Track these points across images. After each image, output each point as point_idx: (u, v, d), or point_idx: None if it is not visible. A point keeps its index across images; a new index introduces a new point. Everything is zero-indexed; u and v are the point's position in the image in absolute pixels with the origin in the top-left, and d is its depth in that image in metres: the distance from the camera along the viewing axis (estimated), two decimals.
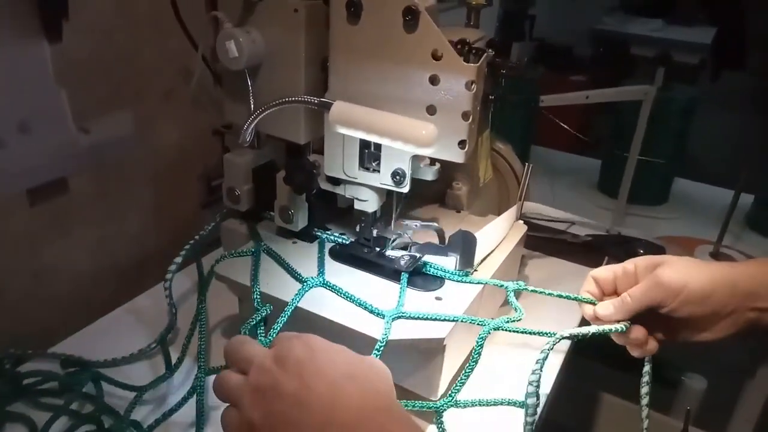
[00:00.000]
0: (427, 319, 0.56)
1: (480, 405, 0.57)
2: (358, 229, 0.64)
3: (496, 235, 0.69)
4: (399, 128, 0.46)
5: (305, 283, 0.58)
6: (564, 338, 0.55)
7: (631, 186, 1.12)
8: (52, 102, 0.68)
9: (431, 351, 0.57)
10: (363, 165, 0.58)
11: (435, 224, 0.65)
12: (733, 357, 1.31)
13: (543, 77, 1.63)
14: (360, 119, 0.47)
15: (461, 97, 0.51)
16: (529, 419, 0.50)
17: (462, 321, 0.56)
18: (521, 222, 0.75)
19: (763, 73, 2.25)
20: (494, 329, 0.57)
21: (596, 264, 0.91)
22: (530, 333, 0.59)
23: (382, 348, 0.52)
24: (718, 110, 2.04)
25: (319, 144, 0.62)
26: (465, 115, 0.52)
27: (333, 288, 0.58)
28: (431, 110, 0.52)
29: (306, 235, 0.67)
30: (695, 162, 1.59)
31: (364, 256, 0.64)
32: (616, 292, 0.58)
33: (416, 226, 0.65)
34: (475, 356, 0.54)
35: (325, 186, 0.62)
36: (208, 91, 0.80)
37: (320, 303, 0.58)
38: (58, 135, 0.69)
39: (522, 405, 0.52)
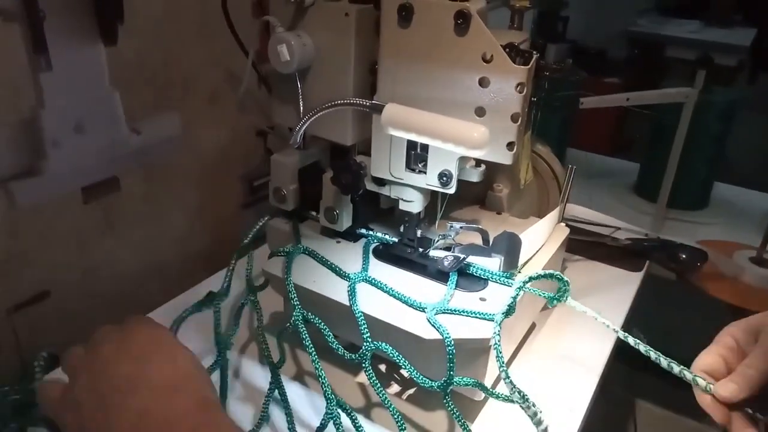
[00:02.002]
0: (470, 315, 0.56)
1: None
2: (402, 229, 0.65)
3: (540, 237, 0.69)
4: (451, 130, 0.46)
5: (350, 279, 0.59)
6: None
7: (670, 190, 1.10)
8: (107, 103, 0.70)
9: (476, 351, 0.57)
10: (409, 166, 0.59)
11: (479, 225, 0.66)
12: None
13: (585, 79, 1.63)
14: (412, 121, 0.47)
15: (511, 99, 0.52)
16: None
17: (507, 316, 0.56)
18: (563, 224, 0.75)
19: None
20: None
21: (638, 268, 0.91)
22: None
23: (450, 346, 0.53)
24: (758, 113, 1.99)
25: (364, 145, 0.63)
26: (514, 117, 0.52)
27: (376, 283, 0.59)
28: (480, 112, 0.53)
29: (350, 235, 0.68)
30: (736, 166, 1.56)
31: (408, 256, 0.65)
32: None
33: (460, 227, 0.65)
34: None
35: (370, 187, 0.62)
36: (252, 93, 0.81)
37: (364, 301, 0.58)
38: (111, 135, 0.72)
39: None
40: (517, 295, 0.57)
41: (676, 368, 0.51)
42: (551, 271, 0.59)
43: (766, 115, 2.13)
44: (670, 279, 1.05)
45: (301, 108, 0.60)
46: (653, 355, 0.52)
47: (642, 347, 0.53)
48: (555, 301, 0.60)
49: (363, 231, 0.68)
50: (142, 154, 0.76)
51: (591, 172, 1.41)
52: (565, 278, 0.58)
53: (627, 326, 0.84)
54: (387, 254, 0.66)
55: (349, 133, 0.61)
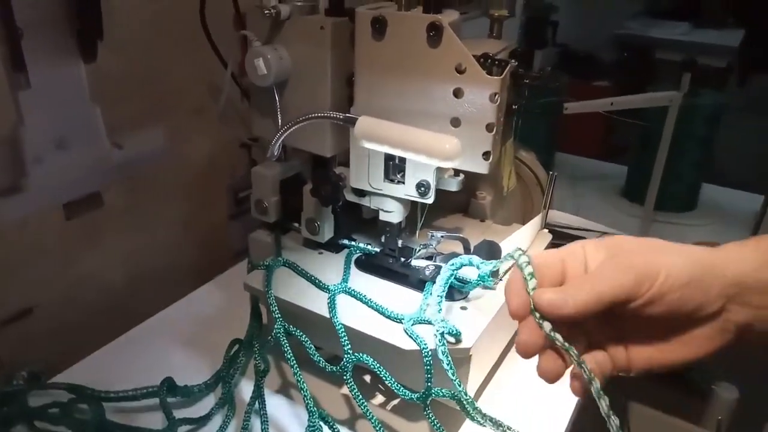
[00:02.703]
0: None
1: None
2: (383, 239, 0.65)
3: (522, 244, 0.69)
4: (423, 142, 0.47)
5: (330, 291, 0.59)
6: None
7: (658, 192, 1.11)
8: (88, 119, 0.71)
9: (456, 361, 0.57)
10: (388, 177, 0.59)
11: (460, 234, 0.66)
12: (766, 365, 1.28)
13: (567, 84, 1.64)
14: (384, 134, 0.48)
15: (485, 109, 0.52)
16: None
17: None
18: (546, 231, 0.75)
19: None
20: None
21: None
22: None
23: (427, 356, 0.53)
24: (746, 114, 2.00)
25: (345, 156, 0.63)
26: (489, 127, 0.52)
27: (355, 295, 0.59)
28: (455, 123, 0.53)
29: (332, 246, 0.68)
30: (724, 167, 1.57)
31: (390, 266, 0.65)
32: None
33: (441, 236, 0.66)
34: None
35: (350, 198, 0.63)
36: (235, 105, 0.82)
37: (344, 312, 0.59)
38: (92, 150, 0.72)
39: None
40: (449, 280, 0.57)
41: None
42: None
43: (755, 116, 2.14)
44: None
45: (279, 120, 0.60)
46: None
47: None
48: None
49: (345, 242, 0.68)
50: (125, 168, 0.76)
51: (580, 176, 1.41)
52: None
53: None
54: (369, 264, 0.66)
55: (329, 145, 0.61)
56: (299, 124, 0.53)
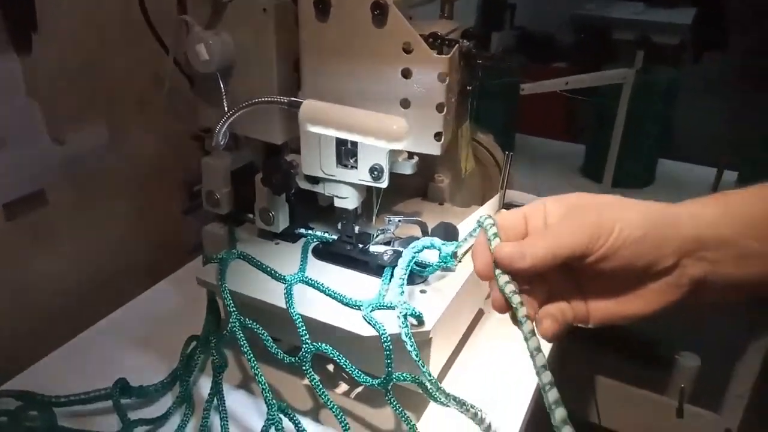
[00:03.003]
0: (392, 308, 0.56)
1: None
2: (339, 226, 0.64)
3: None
4: (369, 124, 0.45)
5: (286, 281, 0.58)
6: None
7: (615, 169, 1.12)
8: (25, 114, 0.67)
9: (418, 344, 0.57)
10: (340, 162, 0.58)
11: (417, 218, 0.65)
12: (726, 333, 1.32)
13: (525, 66, 1.64)
14: (330, 117, 0.46)
15: (434, 90, 0.51)
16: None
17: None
18: (504, 210, 0.75)
19: (743, 51, 2.25)
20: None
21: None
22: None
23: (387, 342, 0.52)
24: (700, 90, 2.05)
25: (297, 143, 0.62)
26: (439, 107, 0.52)
27: (313, 284, 0.58)
28: (405, 104, 0.52)
29: (288, 236, 0.67)
30: (680, 142, 1.60)
31: (348, 253, 0.64)
32: None
33: (399, 221, 0.65)
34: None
35: (304, 185, 0.61)
36: (184, 95, 0.79)
37: (301, 302, 0.57)
38: (32, 147, 0.68)
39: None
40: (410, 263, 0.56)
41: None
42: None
43: (709, 91, 2.19)
44: None
45: (226, 108, 0.58)
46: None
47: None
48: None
49: (302, 231, 0.67)
50: (69, 164, 0.73)
51: (539, 157, 1.42)
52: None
53: None
54: (327, 253, 0.65)
55: (279, 132, 0.60)
56: (242, 110, 0.52)
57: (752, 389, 1.24)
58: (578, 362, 1.39)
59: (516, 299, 0.37)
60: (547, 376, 0.35)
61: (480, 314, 0.77)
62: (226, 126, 0.52)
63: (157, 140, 0.84)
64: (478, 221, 0.40)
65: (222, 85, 0.58)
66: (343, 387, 0.66)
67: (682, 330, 1.50)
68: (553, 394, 0.34)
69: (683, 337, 1.44)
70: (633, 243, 0.36)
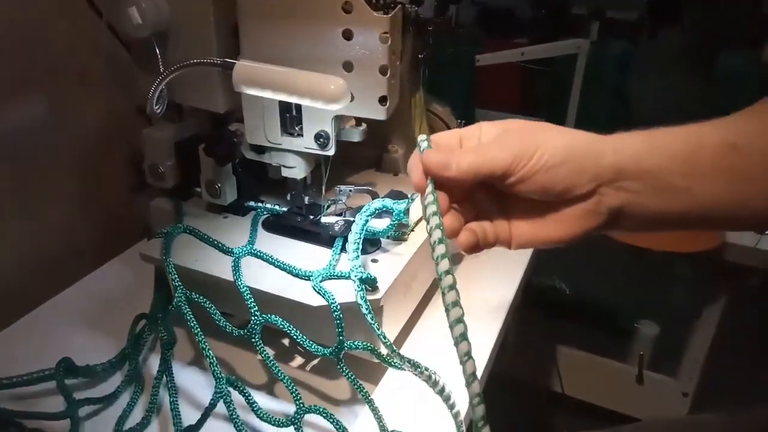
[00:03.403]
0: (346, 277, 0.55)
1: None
2: (289, 198, 0.62)
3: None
4: (306, 84, 0.44)
5: (234, 254, 0.56)
6: None
7: None
8: None
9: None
10: (286, 130, 0.57)
11: (368, 187, 0.64)
12: (683, 302, 1.36)
13: (485, 41, 1.63)
14: (265, 78, 0.45)
15: (377, 51, 0.50)
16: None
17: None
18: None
19: (697, 28, 2.30)
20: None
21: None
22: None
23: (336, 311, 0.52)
24: (656, 65, 2.08)
25: (243, 112, 0.60)
26: (383, 70, 0.50)
27: (260, 255, 0.57)
28: (348, 67, 0.51)
29: (238, 209, 0.65)
30: (636, 113, 1.62)
31: (298, 225, 0.63)
32: None
33: (350, 190, 0.64)
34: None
35: (249, 155, 0.60)
36: (126, 66, 0.76)
37: (251, 275, 0.56)
38: None
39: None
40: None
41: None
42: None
43: (664, 66, 2.22)
44: None
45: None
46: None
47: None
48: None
49: (251, 203, 0.65)
50: (4, 145, 0.69)
51: None
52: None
53: (534, 274, 0.86)
54: (278, 225, 0.64)
55: (221, 100, 0.58)
56: (174, 74, 0.49)
57: (707, 354, 1.28)
58: (541, 332, 1.41)
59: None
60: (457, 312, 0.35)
61: (435, 287, 0.76)
62: (158, 92, 0.50)
63: (100, 116, 0.81)
64: (418, 143, 0.41)
65: (158, 52, 0.56)
66: (299, 360, 0.66)
67: (641, 299, 1.54)
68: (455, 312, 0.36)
69: (642, 306, 1.48)
70: (552, 168, 0.37)
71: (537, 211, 0.40)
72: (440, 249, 0.37)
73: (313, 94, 0.44)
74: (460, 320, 0.36)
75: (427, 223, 0.38)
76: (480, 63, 1.01)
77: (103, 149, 0.82)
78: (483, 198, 0.41)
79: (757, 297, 1.18)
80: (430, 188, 0.38)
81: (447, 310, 0.36)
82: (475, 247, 0.40)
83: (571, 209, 0.39)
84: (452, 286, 0.36)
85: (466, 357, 0.36)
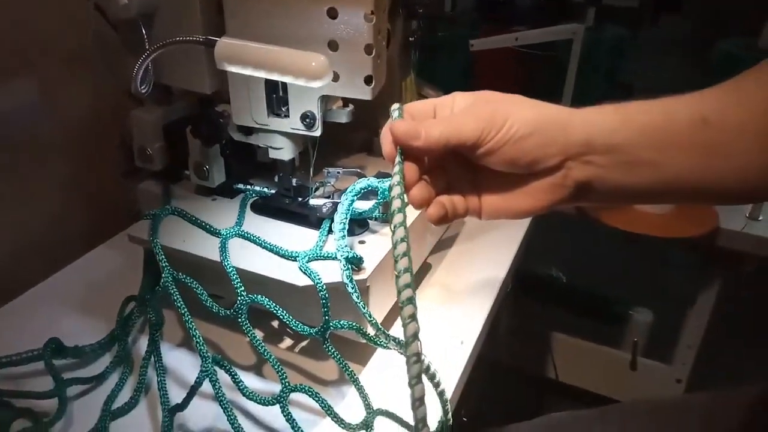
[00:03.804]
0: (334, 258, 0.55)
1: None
2: (277, 179, 0.62)
3: None
4: (287, 61, 0.44)
5: (221, 235, 0.56)
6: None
7: None
8: None
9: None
10: (273, 111, 0.56)
11: (357, 169, 0.64)
12: (678, 288, 1.36)
13: (484, 28, 1.62)
14: (246, 54, 0.45)
15: (362, 30, 0.50)
16: None
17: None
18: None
19: (696, 15, 2.28)
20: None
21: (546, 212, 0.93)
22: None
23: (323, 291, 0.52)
24: (655, 52, 2.07)
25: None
26: (368, 49, 0.50)
27: (248, 236, 0.57)
28: (333, 46, 0.50)
29: (226, 192, 0.65)
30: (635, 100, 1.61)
31: (286, 207, 0.63)
32: None
33: (338, 173, 0.64)
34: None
35: (237, 137, 0.60)
36: (115, 49, 0.76)
37: (238, 256, 0.56)
38: None
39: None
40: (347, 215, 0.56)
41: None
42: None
43: (666, 53, 2.21)
44: (570, 213, 1.08)
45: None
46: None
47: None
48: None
49: (240, 186, 0.65)
50: None
51: None
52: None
53: (530, 263, 0.86)
54: (266, 207, 0.64)
55: (207, 80, 0.58)
56: (157, 52, 0.49)
57: (701, 341, 1.29)
58: (535, 319, 1.41)
59: (396, 190, 0.38)
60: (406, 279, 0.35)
61: (428, 268, 0.77)
62: (142, 71, 0.50)
63: (91, 100, 0.81)
64: (391, 112, 0.41)
65: (144, 32, 0.55)
66: (288, 342, 0.66)
67: (635, 287, 1.54)
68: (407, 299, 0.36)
69: (637, 293, 1.48)
70: (520, 139, 0.38)
71: (506, 183, 0.41)
72: (398, 218, 0.37)
73: (295, 70, 0.43)
74: (407, 270, 0.36)
75: (390, 191, 0.38)
76: (474, 48, 1.00)
77: (93, 133, 0.82)
78: (454, 169, 0.42)
79: (751, 283, 1.18)
80: (397, 158, 0.38)
81: (397, 277, 0.36)
82: (443, 219, 0.41)
83: (539, 182, 0.40)
84: (406, 253, 0.36)
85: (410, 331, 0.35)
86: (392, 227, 0.37)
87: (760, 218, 1.03)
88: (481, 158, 0.39)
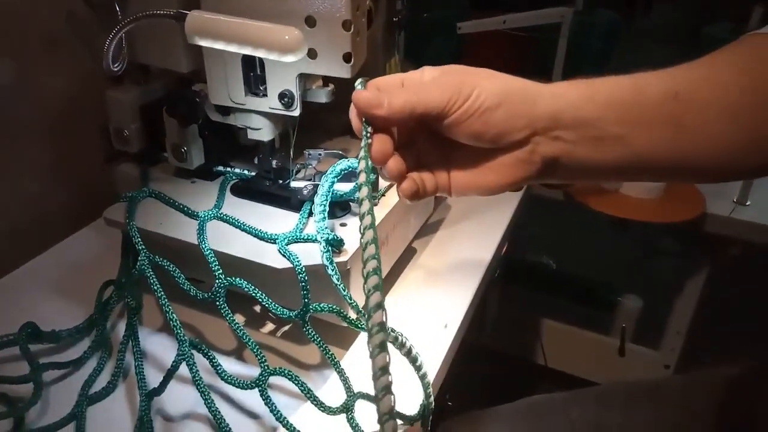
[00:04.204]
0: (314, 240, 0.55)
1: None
2: (256, 161, 0.61)
3: None
4: (260, 34, 0.43)
5: (199, 218, 0.55)
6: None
7: None
8: None
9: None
10: (250, 90, 0.55)
11: (338, 151, 0.63)
12: (666, 274, 1.37)
13: (474, 14, 1.61)
14: (217, 28, 0.43)
15: (339, 5, 0.48)
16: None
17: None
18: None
19: (687, 2, 2.28)
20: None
21: (518, 187, 0.92)
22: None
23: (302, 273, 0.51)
24: (646, 37, 2.06)
25: None
26: (346, 25, 0.49)
27: (226, 219, 0.56)
28: (310, 22, 0.49)
29: (206, 174, 0.64)
30: None
31: (267, 189, 0.62)
32: None
33: (320, 154, 0.63)
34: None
35: (215, 117, 0.58)
36: (94, 29, 0.74)
37: (217, 238, 0.55)
38: None
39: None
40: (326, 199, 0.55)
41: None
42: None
43: (657, 41, 2.20)
44: (558, 199, 1.08)
45: (124, 35, 0.54)
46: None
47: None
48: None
49: (220, 168, 0.64)
50: None
51: None
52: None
53: (509, 242, 0.86)
54: (246, 190, 0.63)
55: (183, 59, 0.56)
56: (128, 27, 0.48)
57: (689, 326, 1.29)
58: (524, 306, 1.42)
59: (362, 164, 0.38)
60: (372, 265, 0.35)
61: (413, 252, 0.76)
62: (113, 47, 0.48)
63: (71, 82, 0.79)
64: (354, 86, 0.41)
65: (117, 9, 0.54)
66: (270, 326, 0.65)
67: (624, 273, 1.54)
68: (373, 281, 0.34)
69: (626, 280, 1.48)
70: (486, 111, 0.37)
71: (474, 159, 0.40)
72: (364, 191, 0.37)
73: (267, 44, 0.42)
74: (373, 241, 0.36)
75: (358, 164, 0.38)
76: (462, 31, 0.99)
77: (73, 115, 0.80)
78: (423, 145, 0.42)
79: (738, 268, 1.18)
80: (364, 132, 0.38)
81: (363, 249, 0.35)
82: (416, 195, 0.41)
83: (506, 157, 0.39)
84: (371, 226, 0.36)
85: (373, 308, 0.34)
86: (358, 199, 0.37)
87: (748, 203, 1.03)
88: (448, 130, 0.38)
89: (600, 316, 1.42)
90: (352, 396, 0.52)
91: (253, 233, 0.56)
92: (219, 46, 0.44)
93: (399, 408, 0.51)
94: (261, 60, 0.53)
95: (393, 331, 0.53)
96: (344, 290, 0.52)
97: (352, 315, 0.54)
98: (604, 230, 1.14)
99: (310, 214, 0.58)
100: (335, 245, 0.54)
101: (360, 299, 0.62)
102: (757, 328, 1.33)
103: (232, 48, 0.43)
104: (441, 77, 0.39)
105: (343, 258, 0.54)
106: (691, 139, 0.37)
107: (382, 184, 0.63)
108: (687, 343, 1.30)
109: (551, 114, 0.37)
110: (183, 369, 0.51)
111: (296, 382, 0.52)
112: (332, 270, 0.52)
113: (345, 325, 0.55)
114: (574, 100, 0.38)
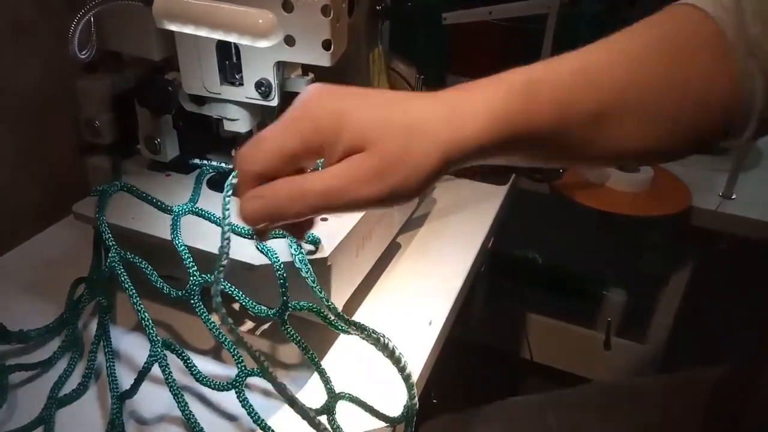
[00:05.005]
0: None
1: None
2: (233, 153, 0.59)
3: None
4: (232, 17, 0.40)
5: (173, 212, 0.53)
6: None
7: None
8: None
9: (318, 273, 0.54)
10: (226, 79, 0.53)
11: None
12: (651, 268, 1.36)
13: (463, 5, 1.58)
14: (187, 11, 0.41)
15: None
16: None
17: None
18: None
19: None
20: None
21: (504, 182, 0.91)
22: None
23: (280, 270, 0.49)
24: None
25: None
26: (325, 11, 0.47)
27: (202, 213, 0.54)
28: (287, 7, 0.47)
29: (181, 167, 0.62)
30: None
31: None
32: None
33: None
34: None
35: (189, 107, 0.56)
36: (64, 15, 0.71)
37: (192, 234, 0.53)
38: None
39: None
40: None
41: None
42: None
43: None
44: (544, 193, 1.07)
45: (92, 20, 0.52)
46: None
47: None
48: None
49: (196, 161, 0.62)
50: None
51: None
52: None
53: (495, 237, 0.84)
54: (223, 184, 0.60)
55: (155, 46, 0.54)
56: (94, 10, 0.45)
57: (674, 320, 1.29)
58: (509, 300, 1.41)
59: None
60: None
61: (397, 248, 0.74)
62: (78, 32, 0.46)
63: (42, 72, 0.76)
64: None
65: None
66: (249, 325, 0.63)
67: (610, 267, 1.54)
68: None
69: (611, 274, 1.48)
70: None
71: None
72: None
73: (239, 27, 0.40)
74: None
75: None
76: (447, 21, 0.97)
77: (44, 107, 0.77)
78: None
79: (724, 262, 1.18)
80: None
81: None
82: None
83: None
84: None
85: None
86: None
87: (734, 197, 1.02)
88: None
89: (586, 310, 1.42)
90: (334, 397, 0.50)
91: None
92: (189, 30, 0.41)
93: (382, 409, 0.50)
94: (237, 47, 0.50)
95: (375, 332, 0.51)
96: (320, 292, 0.50)
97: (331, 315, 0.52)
98: (590, 224, 1.13)
99: None
100: (311, 243, 0.52)
101: (342, 296, 0.60)
102: (742, 321, 1.33)
103: (203, 32, 0.41)
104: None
105: (323, 254, 0.52)
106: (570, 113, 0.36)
107: None
108: (672, 336, 1.30)
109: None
110: (158, 369, 0.49)
111: (274, 383, 0.50)
112: (306, 271, 0.49)
113: (323, 322, 0.53)
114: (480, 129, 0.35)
